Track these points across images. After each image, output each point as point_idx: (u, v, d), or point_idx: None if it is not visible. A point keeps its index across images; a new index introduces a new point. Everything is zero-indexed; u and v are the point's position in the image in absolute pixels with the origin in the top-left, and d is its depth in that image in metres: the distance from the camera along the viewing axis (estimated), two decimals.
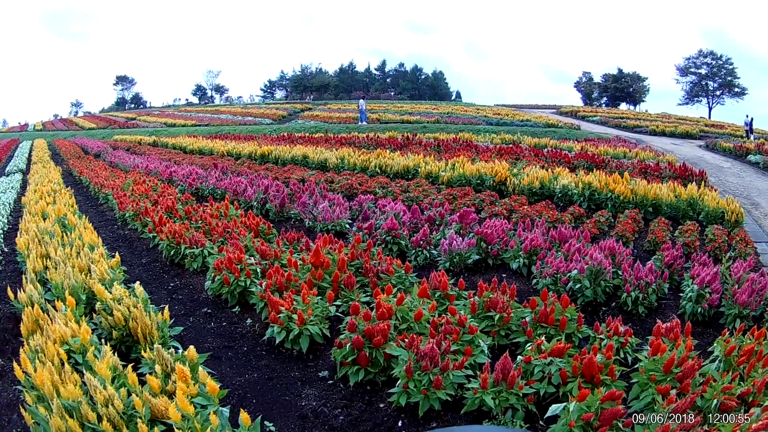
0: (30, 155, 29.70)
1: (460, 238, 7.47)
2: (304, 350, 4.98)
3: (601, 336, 4.82)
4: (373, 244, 7.63)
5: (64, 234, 7.55)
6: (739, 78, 67.56)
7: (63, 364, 3.59)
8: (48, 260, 6.19)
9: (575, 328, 4.95)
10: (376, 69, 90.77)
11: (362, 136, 22.73)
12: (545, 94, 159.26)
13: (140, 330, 4.44)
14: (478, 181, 12.39)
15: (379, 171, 14.63)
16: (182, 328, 5.44)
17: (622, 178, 11.58)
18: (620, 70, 74.81)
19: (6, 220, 10.80)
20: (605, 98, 76.09)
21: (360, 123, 33.61)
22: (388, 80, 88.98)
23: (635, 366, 4.28)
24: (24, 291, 5.08)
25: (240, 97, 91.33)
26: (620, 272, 6.52)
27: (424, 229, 7.83)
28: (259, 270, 6.34)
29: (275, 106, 57.48)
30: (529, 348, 4.46)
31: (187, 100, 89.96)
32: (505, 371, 3.94)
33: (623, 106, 71.35)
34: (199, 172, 14.78)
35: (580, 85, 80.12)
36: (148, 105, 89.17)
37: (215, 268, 6.34)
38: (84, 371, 3.46)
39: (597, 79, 78.08)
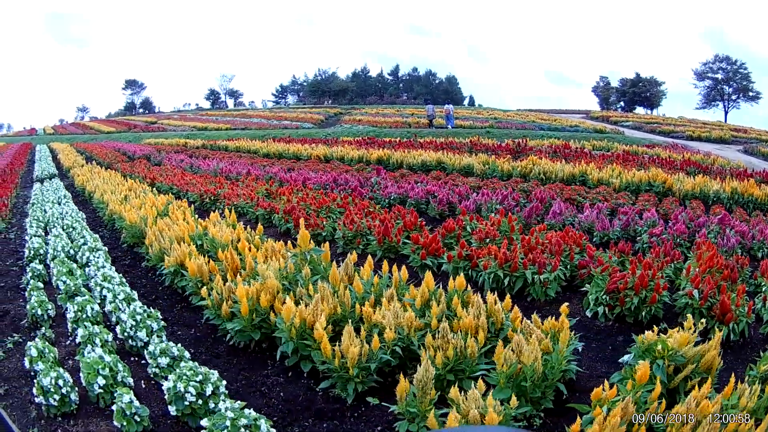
0: (57, 159, 27.73)
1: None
2: None
3: None
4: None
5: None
6: (753, 82, 68.68)
7: None
8: None
9: None
10: (389, 74, 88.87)
11: (464, 141, 21.14)
12: (550, 99, 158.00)
13: None
14: (647, 187, 12.53)
15: (543, 177, 13.79)
16: None
17: (723, 181, 12.40)
18: (638, 75, 74.60)
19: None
20: (622, 102, 75.80)
21: (448, 127, 31.62)
22: (401, 85, 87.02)
23: None
24: None
25: (252, 101, 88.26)
26: None
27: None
28: None
29: (304, 110, 54.96)
30: None
31: (197, 105, 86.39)
32: None
33: (639, 110, 71.25)
34: (343, 178, 12.84)
35: (598, 90, 79.94)
36: (157, 110, 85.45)
37: None
38: None
39: (614, 83, 78.23)
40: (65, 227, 10.63)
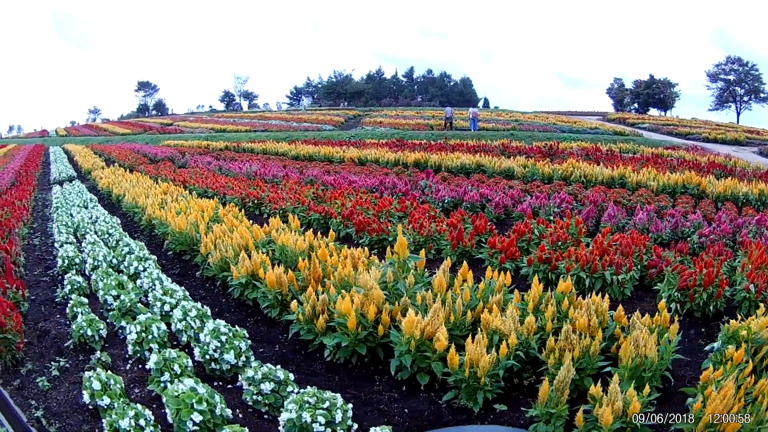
0: (73, 161, 27.03)
1: None
2: None
3: None
4: None
5: None
6: (765, 84, 67.89)
7: None
8: None
9: None
10: (403, 75, 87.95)
11: (496, 144, 20.82)
12: (561, 100, 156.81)
13: None
14: (682, 190, 12.68)
15: (584, 180, 13.62)
16: None
17: (750, 183, 12.48)
18: (651, 76, 74.07)
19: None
20: (636, 104, 75.25)
21: (472, 130, 30.95)
22: (415, 87, 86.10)
23: None
24: None
25: (267, 104, 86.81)
26: None
27: None
28: None
29: (322, 112, 53.87)
30: None
31: (211, 107, 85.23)
32: None
33: (653, 112, 70.79)
34: (390, 181, 12.10)
35: (612, 91, 79.16)
36: (170, 112, 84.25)
37: None
38: None
39: (628, 85, 77.61)
40: (100, 233, 9.77)
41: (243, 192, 11.52)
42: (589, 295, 4.98)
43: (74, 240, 9.35)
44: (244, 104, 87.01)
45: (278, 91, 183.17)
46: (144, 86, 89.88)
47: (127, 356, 5.33)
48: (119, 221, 10.78)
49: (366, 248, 6.75)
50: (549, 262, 6.60)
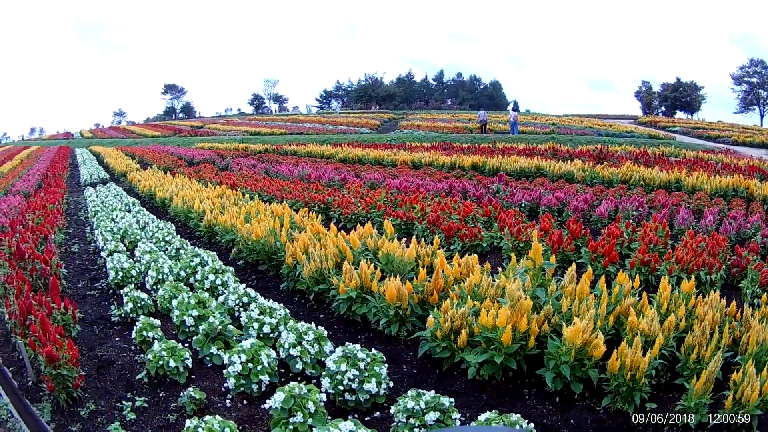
0: (104, 163, 26.34)
1: None
2: None
3: None
4: None
5: None
6: None
7: None
8: None
9: None
10: (433, 79, 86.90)
11: (545, 147, 20.75)
12: (588, 104, 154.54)
13: None
14: (732, 193, 12.70)
15: (643, 184, 13.54)
16: None
17: None
18: (678, 79, 73.98)
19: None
20: (663, 107, 74.95)
21: (513, 134, 30.15)
22: (445, 90, 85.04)
23: None
24: None
25: (296, 107, 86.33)
26: None
27: None
28: None
29: (356, 115, 52.96)
30: None
31: (239, 110, 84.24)
32: None
33: (680, 115, 70.35)
34: (460, 185, 11.90)
35: (641, 95, 79.41)
36: (197, 114, 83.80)
37: None
38: None
39: (656, 88, 77.59)
40: (155, 240, 8.81)
41: (306, 196, 10.52)
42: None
43: (123, 248, 8.36)
44: (274, 107, 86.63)
45: (307, 95, 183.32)
46: (171, 89, 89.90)
47: (223, 390, 4.38)
48: (173, 227, 9.81)
49: (458, 254, 6.17)
50: (648, 264, 6.76)
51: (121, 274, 6.94)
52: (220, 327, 4.63)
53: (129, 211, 12.34)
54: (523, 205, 10.59)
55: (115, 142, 42.85)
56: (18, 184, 19.31)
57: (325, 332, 4.82)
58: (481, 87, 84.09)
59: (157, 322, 5.21)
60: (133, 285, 6.40)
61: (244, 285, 5.73)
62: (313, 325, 4.76)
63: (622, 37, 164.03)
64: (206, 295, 5.31)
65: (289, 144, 25.90)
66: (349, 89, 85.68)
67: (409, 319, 5.18)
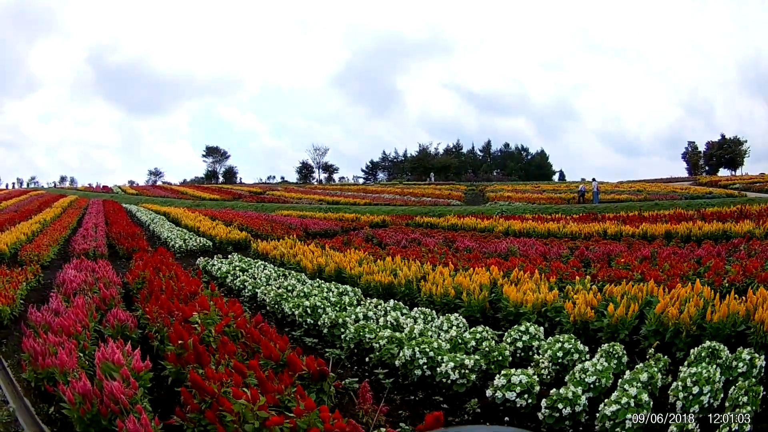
0: (181, 225, 23.38)
1: None
2: None
3: None
4: None
5: None
6: None
7: None
8: None
9: None
10: (480, 150, 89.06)
11: (668, 213, 22.00)
12: (624, 169, 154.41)
13: None
14: None
15: None
16: None
17: None
18: (723, 136, 75.65)
19: None
20: (707, 167, 76.36)
21: (595, 203, 31.46)
22: (489, 160, 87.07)
23: None
24: None
25: (343, 177, 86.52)
26: None
27: None
28: None
29: (436, 186, 51.89)
30: None
31: (282, 177, 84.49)
32: None
33: (724, 172, 71.40)
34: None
35: (687, 155, 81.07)
36: (239, 180, 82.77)
37: None
38: None
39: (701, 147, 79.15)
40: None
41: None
42: None
43: None
44: (323, 176, 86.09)
45: (352, 165, 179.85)
46: (213, 152, 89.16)
47: None
48: None
49: None
50: None
51: None
52: None
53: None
54: None
55: (166, 201, 42.09)
56: (79, 240, 16.72)
57: None
58: (528, 157, 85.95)
59: None
60: None
61: None
62: None
63: (637, 95, 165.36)
64: None
65: (420, 216, 26.44)
66: (395, 160, 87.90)
67: None
